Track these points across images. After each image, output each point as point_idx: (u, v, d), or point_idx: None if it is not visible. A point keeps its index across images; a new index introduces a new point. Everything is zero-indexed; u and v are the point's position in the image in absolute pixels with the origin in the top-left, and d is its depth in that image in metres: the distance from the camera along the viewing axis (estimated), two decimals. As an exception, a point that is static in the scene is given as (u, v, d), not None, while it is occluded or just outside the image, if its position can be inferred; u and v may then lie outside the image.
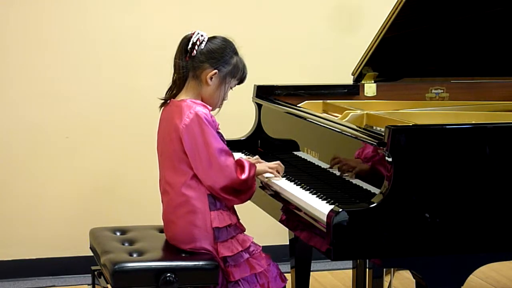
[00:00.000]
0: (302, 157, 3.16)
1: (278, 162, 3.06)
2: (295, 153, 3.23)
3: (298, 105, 3.37)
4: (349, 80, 3.68)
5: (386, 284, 3.33)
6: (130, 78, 4.34)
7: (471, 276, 2.65)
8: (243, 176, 2.88)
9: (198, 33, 2.93)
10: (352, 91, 3.64)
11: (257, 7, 4.47)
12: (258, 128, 3.59)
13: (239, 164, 2.92)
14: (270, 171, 3.03)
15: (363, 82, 3.63)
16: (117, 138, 4.35)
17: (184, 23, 4.09)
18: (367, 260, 3.23)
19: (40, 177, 4.29)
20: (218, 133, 2.92)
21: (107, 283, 2.92)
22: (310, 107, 3.37)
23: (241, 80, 3.02)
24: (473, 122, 2.99)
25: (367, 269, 3.28)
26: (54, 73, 4.26)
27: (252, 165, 2.94)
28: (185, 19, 4.29)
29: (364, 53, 3.53)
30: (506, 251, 2.67)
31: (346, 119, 3.06)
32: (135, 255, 2.93)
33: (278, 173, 3.04)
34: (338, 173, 2.85)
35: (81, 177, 4.33)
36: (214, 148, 2.85)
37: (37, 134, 4.26)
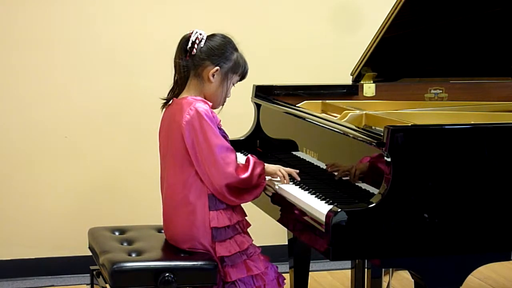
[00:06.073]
0: (301, 157, 3.16)
1: (295, 170, 2.98)
2: (294, 153, 3.22)
3: (297, 105, 3.37)
4: (348, 80, 3.67)
5: (384, 285, 3.32)
6: (130, 78, 4.33)
7: (469, 276, 2.65)
8: (244, 175, 2.86)
9: (196, 32, 2.93)
10: (351, 91, 3.64)
11: (257, 7, 4.47)
12: (257, 128, 3.58)
13: (246, 161, 2.90)
14: (280, 174, 2.96)
15: (362, 82, 3.63)
16: (116, 138, 4.35)
17: (184, 23, 4.07)
18: (366, 260, 3.23)
19: (39, 176, 4.28)
20: (220, 129, 2.91)
21: (106, 282, 2.92)
22: (309, 107, 3.37)
23: (242, 76, 3.02)
24: (472, 122, 2.99)
25: (366, 269, 3.27)
26: (54, 73, 4.25)
27: (258, 164, 2.90)
28: (185, 20, 4.29)
29: (363, 53, 3.53)
30: (504, 251, 2.67)
31: (345, 119, 3.06)
32: (133, 255, 2.93)
33: (284, 178, 2.96)
34: (337, 177, 2.85)
35: (80, 177, 4.32)
36: (214, 144, 2.84)
37: (36, 133, 4.25)
